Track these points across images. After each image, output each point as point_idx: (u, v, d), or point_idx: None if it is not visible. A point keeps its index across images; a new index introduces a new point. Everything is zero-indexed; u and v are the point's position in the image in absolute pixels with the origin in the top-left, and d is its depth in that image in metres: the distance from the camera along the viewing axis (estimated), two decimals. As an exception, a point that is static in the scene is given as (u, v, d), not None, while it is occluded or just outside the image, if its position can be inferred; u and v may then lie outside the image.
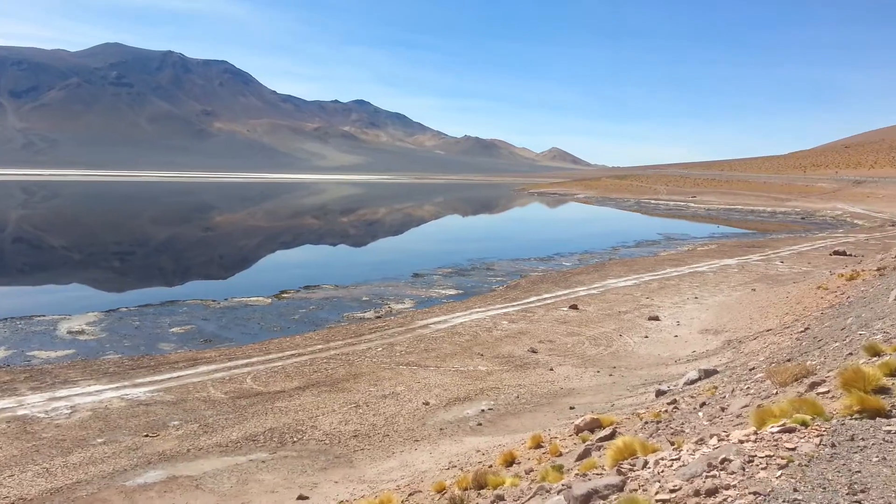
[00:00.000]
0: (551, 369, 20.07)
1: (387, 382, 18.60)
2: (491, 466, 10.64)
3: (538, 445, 11.30)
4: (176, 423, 15.34)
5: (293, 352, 21.43)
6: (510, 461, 10.46)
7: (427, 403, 17.01)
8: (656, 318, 26.04)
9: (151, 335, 23.80)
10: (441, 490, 9.60)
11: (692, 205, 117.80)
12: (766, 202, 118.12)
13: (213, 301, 29.63)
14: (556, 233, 72.57)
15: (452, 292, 32.99)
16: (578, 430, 11.36)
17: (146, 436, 14.56)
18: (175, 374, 18.85)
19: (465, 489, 8.60)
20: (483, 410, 16.76)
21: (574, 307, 28.30)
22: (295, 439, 14.59)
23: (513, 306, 28.88)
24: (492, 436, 14.90)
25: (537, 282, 35.49)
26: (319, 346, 22.14)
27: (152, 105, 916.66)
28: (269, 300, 30.27)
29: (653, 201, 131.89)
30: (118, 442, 14.17)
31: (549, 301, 30.03)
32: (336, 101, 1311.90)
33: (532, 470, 9.16)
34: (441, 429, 15.33)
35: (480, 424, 15.83)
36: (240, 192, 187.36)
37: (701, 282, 34.52)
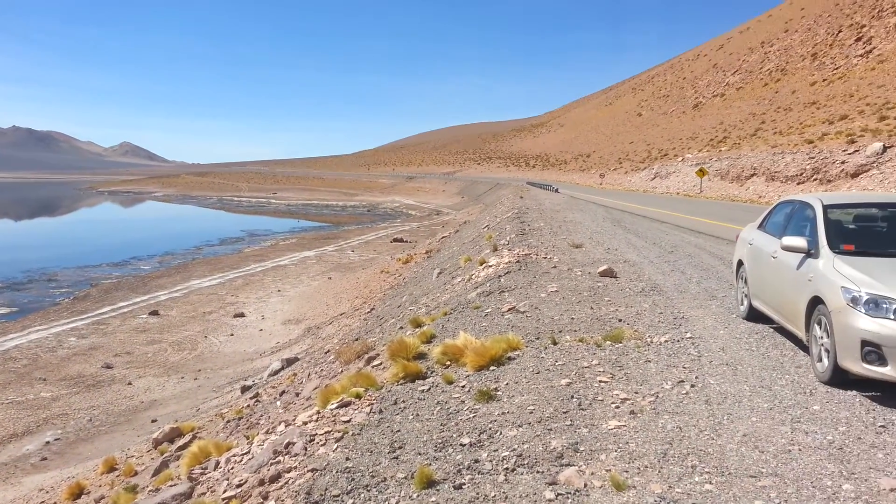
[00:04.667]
0: (130, 383, 18.56)
1: None
2: (55, 505, 9.37)
3: (112, 469, 10.35)
4: None
5: None
6: (78, 493, 9.37)
7: (-32, 449, 14.14)
8: (242, 315, 26.10)
9: None
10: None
11: (273, 201, 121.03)
12: (339, 197, 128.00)
13: None
14: (133, 235, 66.89)
15: (4, 311, 27.97)
16: (157, 443, 10.75)
17: None
18: None
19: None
20: (48, 442, 14.67)
21: (155, 313, 26.60)
22: None
23: (82, 319, 25.81)
24: (60, 469, 13.13)
25: (111, 289, 32.36)
26: None
27: None
28: None
29: (236, 198, 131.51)
30: None
31: (125, 309, 27.66)
32: None
33: (103, 497, 8.35)
34: (-10, 475, 12.92)
35: (45, 459, 13.83)
36: None
37: (283, 275, 35.72)
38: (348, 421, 5.53)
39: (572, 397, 5.40)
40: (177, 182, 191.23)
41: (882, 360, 4.99)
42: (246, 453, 5.57)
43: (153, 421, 15.43)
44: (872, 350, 5.03)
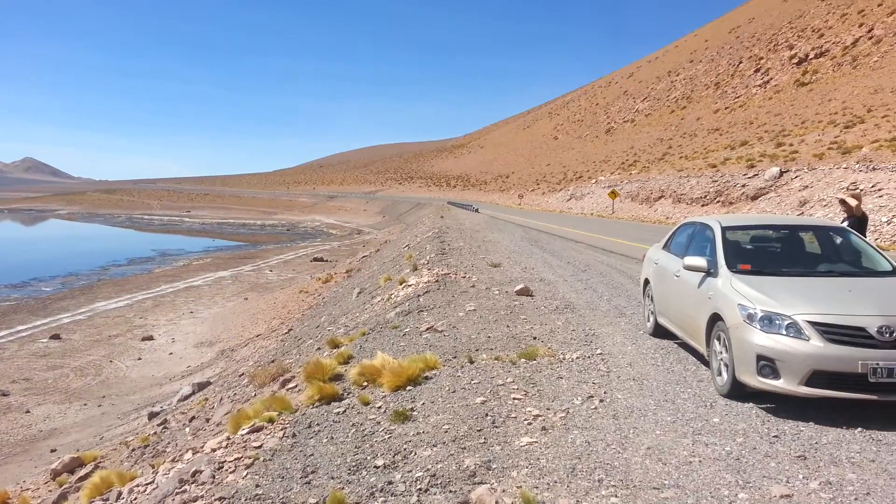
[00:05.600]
0: (28, 411, 17.44)
1: None
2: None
3: (4, 503, 9.66)
4: None
5: None
6: (-36, 533, 8.68)
7: None
8: (151, 338, 25.03)
9: None
10: None
11: (187, 219, 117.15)
12: (257, 215, 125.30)
13: None
14: (34, 255, 63.12)
15: None
16: (56, 473, 10.12)
17: None
18: None
19: None
20: (-70, 479, 13.53)
21: (56, 337, 25.15)
22: None
23: (-28, 345, 24.09)
24: (-57, 508, 12.13)
25: (9, 312, 30.44)
26: None
27: None
28: None
29: (146, 217, 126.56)
30: None
31: (24, 333, 26.05)
32: None
33: (-7, 536, 7.78)
34: None
35: (-74, 498, 12.74)
36: None
37: (197, 296, 34.55)
38: (260, 446, 5.38)
39: (486, 415, 5.45)
40: (83, 199, 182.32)
41: (776, 374, 5.29)
42: (150, 483, 5.33)
43: (52, 451, 14.53)
44: (767, 364, 5.33)
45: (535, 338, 8.21)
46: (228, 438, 5.73)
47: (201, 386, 15.68)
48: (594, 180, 68.22)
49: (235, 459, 5.13)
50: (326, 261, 47.19)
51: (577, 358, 7.15)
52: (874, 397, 5.07)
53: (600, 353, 7.31)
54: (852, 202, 9.32)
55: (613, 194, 50.39)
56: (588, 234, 28.20)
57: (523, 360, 7.10)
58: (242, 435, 5.69)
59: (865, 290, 5.78)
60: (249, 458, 5.11)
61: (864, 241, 7.05)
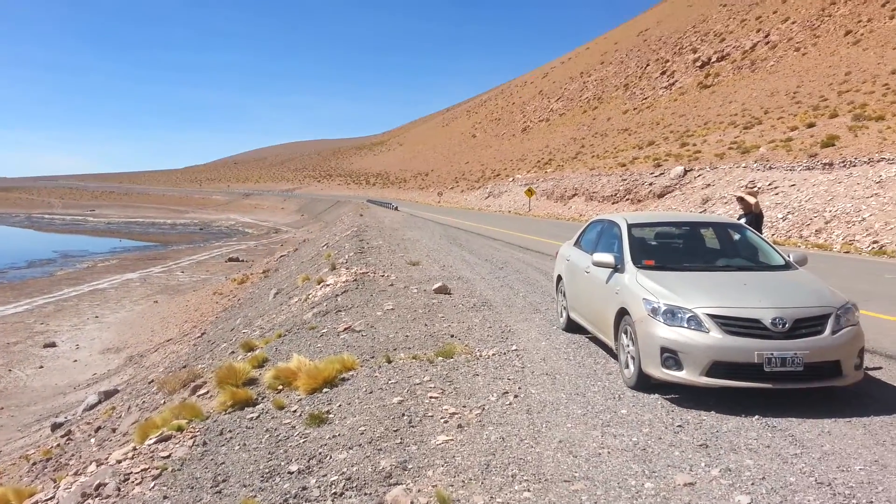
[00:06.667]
0: (-89, 429, 16.16)
1: None
2: None
3: None
4: None
5: None
6: None
7: None
8: (53, 345, 23.66)
9: None
10: None
11: (91, 219, 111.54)
12: (167, 214, 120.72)
13: None
14: (-84, 258, 58.57)
15: None
16: (-55, 495, 9.42)
17: None
18: None
19: None
20: None
21: (-57, 347, 23.40)
22: None
23: None
24: None
25: None
26: None
27: None
28: None
29: (47, 216, 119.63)
30: None
31: None
32: None
33: None
34: None
35: None
36: None
37: (102, 299, 32.94)
38: (168, 456, 5.20)
39: (403, 415, 5.46)
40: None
41: (678, 365, 5.54)
42: (51, 499, 5.06)
43: (-59, 470, 13.54)
44: (670, 356, 5.57)
45: (452, 336, 8.28)
46: (135, 449, 5.51)
47: (108, 394, 14.97)
48: (511, 178, 69.38)
49: (142, 470, 4.94)
50: (242, 261, 45.94)
51: (494, 355, 7.27)
52: (769, 385, 5.37)
53: (515, 350, 7.45)
54: (750, 200, 9.87)
55: (530, 192, 51.41)
56: (505, 231, 28.67)
57: (441, 358, 7.15)
58: (150, 445, 5.48)
59: (760, 284, 6.13)
60: (157, 468, 4.93)
61: (760, 236, 7.48)
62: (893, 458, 4.44)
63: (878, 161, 23.70)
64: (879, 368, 6.63)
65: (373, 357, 7.39)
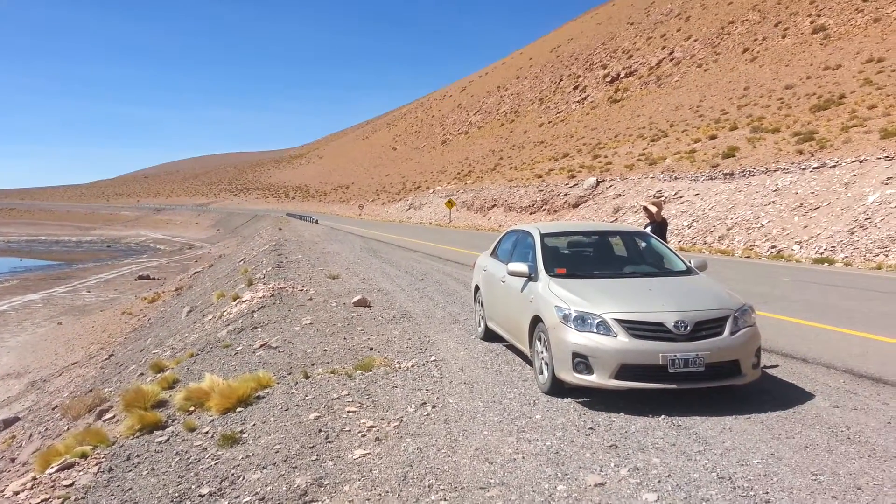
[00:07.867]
0: None
1: None
2: None
3: None
4: None
5: None
6: None
7: None
8: (-57, 374, 22.04)
9: None
10: None
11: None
12: (72, 231, 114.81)
13: None
14: None
15: None
16: None
17: None
18: None
19: None
20: None
21: None
22: None
23: None
24: None
25: None
26: None
27: None
28: None
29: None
30: None
31: None
32: None
33: None
34: None
35: None
36: None
37: (2, 322, 30.93)
38: (71, 485, 4.94)
39: (320, 431, 5.40)
40: None
41: (589, 370, 5.72)
42: (-64, 540, 4.70)
43: None
44: (581, 361, 5.75)
45: (371, 349, 8.25)
46: (35, 478, 5.21)
47: (7, 423, 14.05)
48: (432, 190, 69.81)
49: (42, 501, 4.68)
50: (153, 278, 44.17)
51: (413, 366, 7.28)
52: (674, 386, 5.61)
53: (434, 360, 7.49)
54: (653, 209, 10.30)
55: (450, 204, 51.85)
56: (426, 243, 28.79)
57: (359, 371, 7.10)
58: (51, 473, 5.19)
59: (664, 289, 6.41)
60: (59, 498, 4.69)
61: (663, 244, 7.84)
62: (788, 450, 4.72)
63: (775, 170, 25.23)
64: (776, 366, 7.04)
65: (290, 373, 7.27)
